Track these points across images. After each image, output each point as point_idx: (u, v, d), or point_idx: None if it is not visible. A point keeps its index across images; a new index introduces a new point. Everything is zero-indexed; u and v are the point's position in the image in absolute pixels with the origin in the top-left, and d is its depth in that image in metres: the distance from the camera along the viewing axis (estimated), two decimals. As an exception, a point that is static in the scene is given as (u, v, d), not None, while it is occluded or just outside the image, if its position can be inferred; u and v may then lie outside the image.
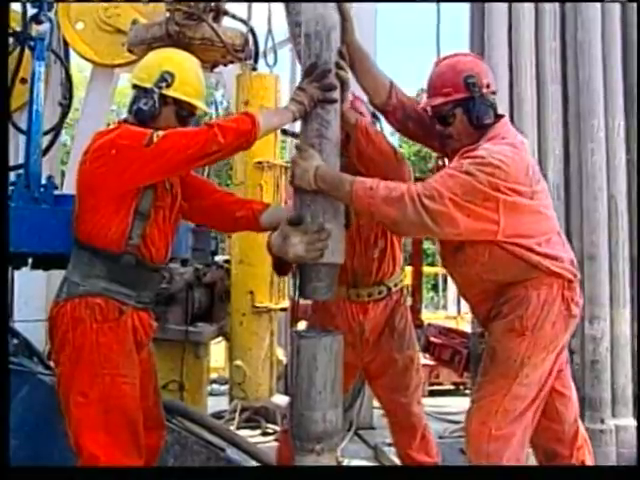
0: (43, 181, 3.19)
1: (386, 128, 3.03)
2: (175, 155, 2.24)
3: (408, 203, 2.26)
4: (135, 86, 2.47)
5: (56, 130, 4.17)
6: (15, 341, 3.29)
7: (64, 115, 4.25)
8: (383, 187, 2.32)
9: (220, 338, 4.94)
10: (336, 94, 2.35)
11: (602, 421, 3.81)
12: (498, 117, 2.56)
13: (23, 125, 3.64)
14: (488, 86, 2.52)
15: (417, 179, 3.12)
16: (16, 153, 4.51)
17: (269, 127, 2.37)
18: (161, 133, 2.25)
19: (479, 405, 2.52)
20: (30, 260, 3.12)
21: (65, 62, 4.54)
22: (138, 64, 2.58)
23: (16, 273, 5.02)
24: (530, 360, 2.47)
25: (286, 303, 4.79)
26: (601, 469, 3.42)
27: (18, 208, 2.99)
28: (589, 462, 2.59)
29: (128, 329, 2.39)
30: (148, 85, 2.43)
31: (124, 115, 2.61)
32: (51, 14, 3.34)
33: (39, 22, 3.20)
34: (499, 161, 2.35)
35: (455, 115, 2.51)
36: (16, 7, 3.86)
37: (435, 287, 20.89)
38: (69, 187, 5.35)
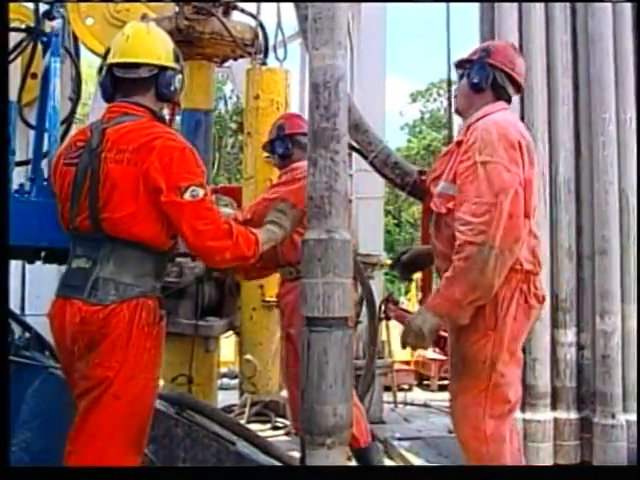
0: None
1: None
2: (197, 238, 2.32)
3: (459, 265, 2.41)
4: (134, 66, 2.44)
5: (67, 124, 4.18)
6: (27, 335, 3.30)
7: (73, 110, 4.27)
8: (444, 279, 2.48)
9: (230, 332, 4.96)
10: (344, 147, 2.37)
11: (613, 416, 3.79)
12: (498, 98, 2.70)
13: (32, 120, 3.66)
14: (502, 63, 2.69)
15: (421, 172, 3.22)
16: (27, 148, 4.53)
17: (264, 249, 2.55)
18: (200, 193, 2.31)
19: (466, 413, 2.56)
20: (43, 254, 3.13)
21: (75, 58, 4.56)
22: (147, 43, 2.49)
23: (27, 267, 5.06)
24: (499, 359, 2.51)
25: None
26: (601, 469, 3.42)
27: (39, 203, 3.01)
28: (506, 459, 2.55)
29: (163, 330, 2.41)
30: (170, 64, 2.48)
31: None
32: (63, 10, 3.35)
33: (52, 18, 3.22)
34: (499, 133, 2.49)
35: (462, 76, 2.76)
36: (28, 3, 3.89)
37: (445, 282, 20.86)
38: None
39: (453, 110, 2.93)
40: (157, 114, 2.50)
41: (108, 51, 2.53)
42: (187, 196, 2.28)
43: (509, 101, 2.78)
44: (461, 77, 2.79)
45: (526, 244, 2.53)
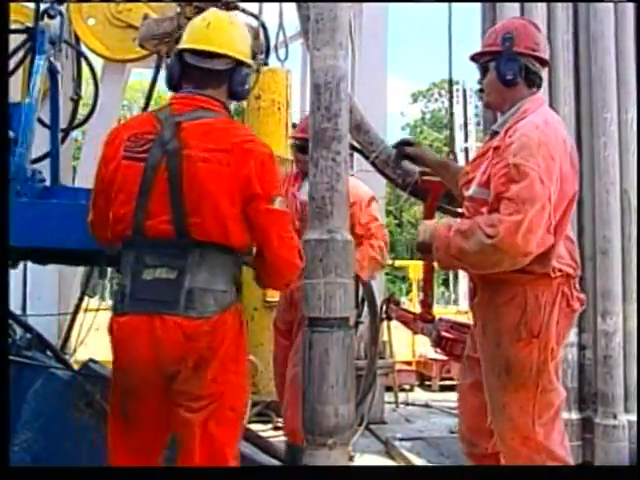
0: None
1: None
2: (284, 248, 2.20)
3: (475, 233, 2.33)
4: (210, 55, 2.23)
5: (68, 124, 4.17)
6: (28, 335, 3.30)
7: (75, 110, 4.26)
8: (459, 222, 2.46)
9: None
10: (346, 148, 2.37)
11: (615, 416, 3.79)
12: (532, 86, 2.57)
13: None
14: (529, 49, 2.54)
15: (423, 173, 3.20)
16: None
17: None
18: (284, 204, 2.22)
19: (514, 424, 2.47)
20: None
21: (78, 57, 4.55)
22: (229, 35, 2.30)
23: (28, 268, 5.06)
24: (545, 366, 2.44)
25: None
26: (601, 469, 3.42)
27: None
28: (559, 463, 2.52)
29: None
30: (247, 60, 2.30)
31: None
32: (62, 8, 3.34)
33: (51, 16, 3.20)
34: (540, 140, 2.35)
35: (488, 68, 2.58)
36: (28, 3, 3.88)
37: (446, 282, 20.87)
38: (81, 182, 5.38)
39: (483, 104, 2.82)
40: (230, 112, 2.34)
41: (179, 36, 2.35)
42: (277, 205, 2.18)
43: (541, 83, 2.64)
44: (484, 70, 2.61)
45: (564, 248, 2.49)
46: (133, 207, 2.13)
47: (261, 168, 2.16)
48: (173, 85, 2.31)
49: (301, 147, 3.60)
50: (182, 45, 2.29)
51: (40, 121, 3.37)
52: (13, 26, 3.32)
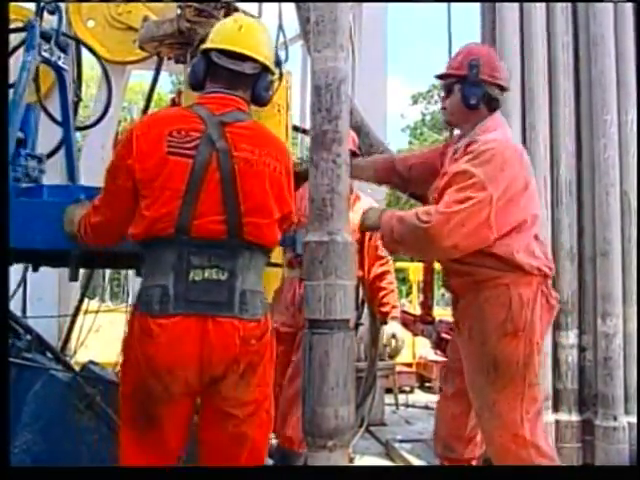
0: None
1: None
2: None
3: (411, 219, 2.55)
4: (240, 58, 2.23)
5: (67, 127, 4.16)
6: (28, 337, 3.30)
7: (74, 112, 4.25)
8: (401, 211, 2.69)
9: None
10: (346, 150, 2.38)
11: (615, 418, 3.79)
12: (492, 110, 2.77)
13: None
14: (493, 77, 2.75)
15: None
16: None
17: None
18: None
19: (503, 421, 2.59)
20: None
21: (79, 59, 4.54)
22: (258, 40, 2.30)
23: (29, 269, 5.05)
24: (531, 358, 2.59)
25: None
26: (601, 469, 3.42)
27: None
28: (545, 459, 2.62)
29: None
30: (272, 68, 2.32)
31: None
32: (62, 4, 3.30)
33: (50, 12, 3.18)
34: (497, 151, 2.57)
35: (453, 90, 2.79)
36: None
37: (446, 284, 20.86)
38: (82, 183, 5.37)
39: (443, 121, 3.04)
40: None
41: (204, 36, 2.35)
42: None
43: (500, 106, 2.82)
44: (448, 91, 2.82)
45: (539, 250, 2.68)
46: (179, 205, 2.05)
47: (288, 183, 2.26)
48: (196, 84, 2.30)
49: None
50: (211, 45, 2.26)
51: (53, 119, 3.35)
52: (12, 26, 3.30)
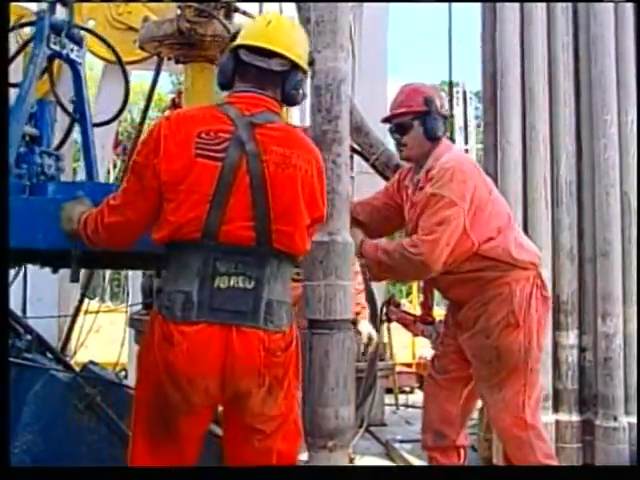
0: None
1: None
2: None
3: (400, 252, 2.78)
4: (268, 54, 2.13)
5: (69, 127, 4.14)
6: (28, 337, 3.30)
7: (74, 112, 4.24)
8: (385, 243, 2.95)
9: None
10: (346, 150, 2.38)
11: (615, 419, 3.79)
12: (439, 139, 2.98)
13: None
14: (442, 107, 3.02)
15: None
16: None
17: None
18: None
19: (506, 405, 2.87)
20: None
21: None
22: (286, 35, 2.19)
23: (29, 269, 5.05)
24: (531, 345, 2.86)
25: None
26: (601, 469, 3.42)
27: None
28: (544, 443, 2.97)
29: None
30: (304, 66, 2.19)
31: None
32: None
33: (64, 3, 3.08)
34: (455, 168, 2.81)
35: (412, 126, 2.96)
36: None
37: (446, 284, 20.83)
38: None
39: (401, 158, 3.14)
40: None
41: (236, 33, 2.23)
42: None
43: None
44: (406, 127, 2.97)
45: (525, 242, 3.00)
46: (207, 209, 1.98)
47: (321, 186, 2.16)
48: (225, 83, 2.21)
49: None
50: (239, 41, 2.18)
51: (69, 115, 3.28)
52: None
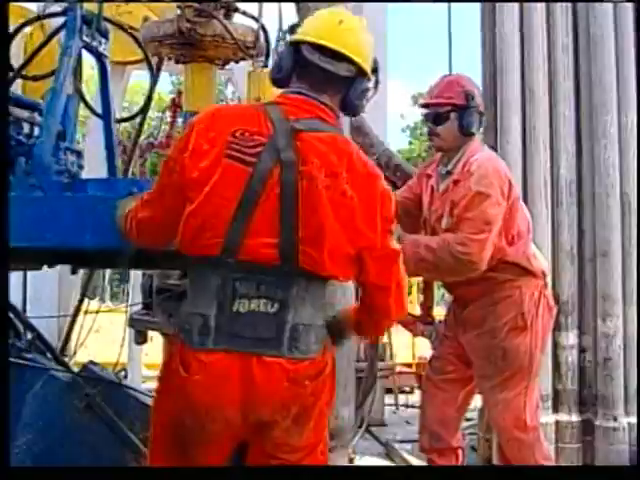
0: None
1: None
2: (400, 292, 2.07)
3: (446, 248, 2.75)
4: (336, 57, 1.90)
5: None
6: (29, 336, 3.30)
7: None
8: (426, 239, 2.90)
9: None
10: None
11: (615, 419, 3.79)
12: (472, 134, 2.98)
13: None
14: (482, 106, 3.02)
15: None
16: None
17: None
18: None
19: (508, 405, 2.89)
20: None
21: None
22: (358, 38, 1.97)
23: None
24: (536, 348, 2.90)
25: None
26: (601, 469, 3.42)
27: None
28: (542, 445, 3.01)
29: None
30: (369, 73, 1.98)
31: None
32: None
33: None
34: (498, 167, 2.87)
35: (449, 118, 2.93)
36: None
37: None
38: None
39: (434, 147, 3.13)
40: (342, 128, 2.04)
41: (294, 25, 2.05)
42: (394, 244, 1.95)
43: None
44: (443, 118, 2.93)
45: (538, 258, 3.02)
46: (229, 219, 1.78)
47: (382, 206, 1.89)
48: (280, 79, 1.98)
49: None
50: (304, 37, 1.94)
51: (92, 110, 3.22)
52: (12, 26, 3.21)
